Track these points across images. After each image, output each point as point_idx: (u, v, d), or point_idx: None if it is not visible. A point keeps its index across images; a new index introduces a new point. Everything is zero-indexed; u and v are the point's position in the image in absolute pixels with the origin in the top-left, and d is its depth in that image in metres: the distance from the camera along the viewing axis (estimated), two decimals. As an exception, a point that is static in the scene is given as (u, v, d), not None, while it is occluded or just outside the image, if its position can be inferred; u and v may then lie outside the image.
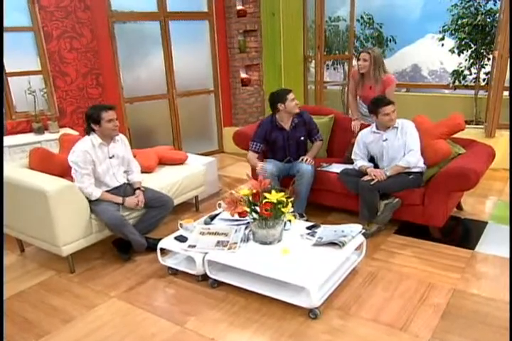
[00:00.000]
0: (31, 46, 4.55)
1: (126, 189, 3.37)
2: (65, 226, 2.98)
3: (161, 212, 3.37)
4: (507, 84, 4.93)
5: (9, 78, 4.45)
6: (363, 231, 3.02)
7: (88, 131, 3.18)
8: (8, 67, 4.41)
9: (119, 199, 3.23)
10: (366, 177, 3.38)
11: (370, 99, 3.52)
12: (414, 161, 3.34)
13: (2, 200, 2.55)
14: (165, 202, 3.39)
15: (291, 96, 3.66)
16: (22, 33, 4.49)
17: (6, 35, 4.25)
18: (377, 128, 3.48)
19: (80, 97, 4.88)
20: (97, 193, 3.14)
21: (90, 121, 3.13)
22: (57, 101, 4.74)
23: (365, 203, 3.40)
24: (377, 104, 3.36)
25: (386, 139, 3.45)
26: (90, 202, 3.13)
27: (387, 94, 3.85)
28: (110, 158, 3.26)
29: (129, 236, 3.15)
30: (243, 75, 6.03)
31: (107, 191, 3.25)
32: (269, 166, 3.69)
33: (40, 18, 4.45)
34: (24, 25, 4.46)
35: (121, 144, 3.36)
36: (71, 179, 3.11)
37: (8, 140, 4.24)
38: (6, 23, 4.17)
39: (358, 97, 4.22)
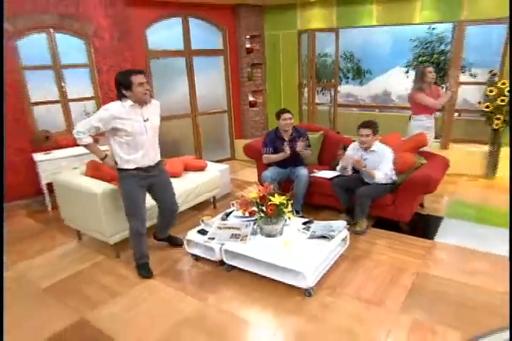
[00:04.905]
0: (87, 78, 4.53)
1: (156, 169, 2.73)
2: (110, 221, 2.96)
3: (170, 221, 3.03)
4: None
5: (70, 103, 4.42)
6: (358, 230, 3.11)
7: (120, 97, 2.49)
8: (70, 95, 4.41)
9: (102, 154, 2.61)
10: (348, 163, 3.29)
11: None
12: (380, 177, 3.22)
13: (3, 202, 2.32)
14: (171, 212, 2.96)
15: (283, 116, 3.58)
16: (80, 68, 4.47)
17: (68, 70, 4.29)
18: (359, 146, 3.35)
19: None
20: (87, 139, 2.51)
21: (121, 87, 2.45)
22: (106, 120, 4.70)
23: (361, 206, 3.28)
24: (359, 126, 3.29)
25: (365, 159, 3.32)
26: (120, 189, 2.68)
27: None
28: (145, 120, 2.54)
29: (138, 228, 2.71)
30: (251, 99, 5.98)
31: (139, 168, 2.61)
32: (269, 173, 3.65)
33: (94, 57, 4.43)
34: (82, 62, 4.45)
35: (154, 108, 2.63)
36: (116, 183, 2.98)
37: (69, 151, 4.22)
38: (69, 61, 4.19)
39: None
